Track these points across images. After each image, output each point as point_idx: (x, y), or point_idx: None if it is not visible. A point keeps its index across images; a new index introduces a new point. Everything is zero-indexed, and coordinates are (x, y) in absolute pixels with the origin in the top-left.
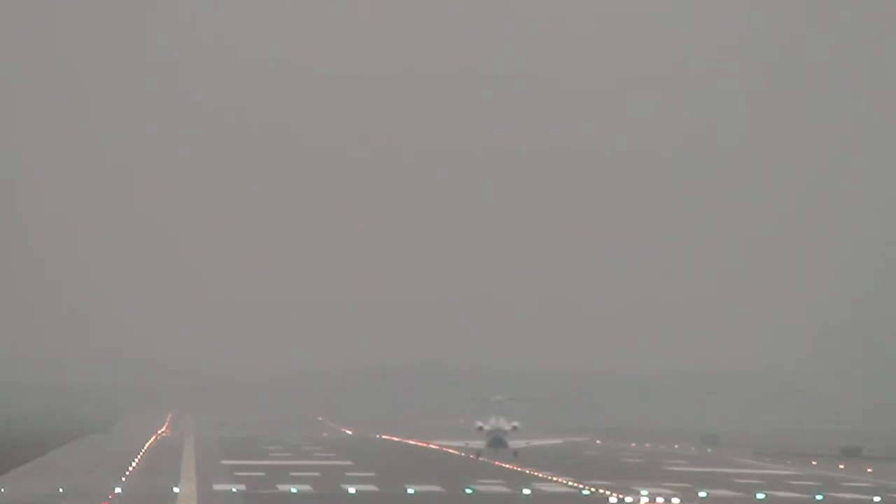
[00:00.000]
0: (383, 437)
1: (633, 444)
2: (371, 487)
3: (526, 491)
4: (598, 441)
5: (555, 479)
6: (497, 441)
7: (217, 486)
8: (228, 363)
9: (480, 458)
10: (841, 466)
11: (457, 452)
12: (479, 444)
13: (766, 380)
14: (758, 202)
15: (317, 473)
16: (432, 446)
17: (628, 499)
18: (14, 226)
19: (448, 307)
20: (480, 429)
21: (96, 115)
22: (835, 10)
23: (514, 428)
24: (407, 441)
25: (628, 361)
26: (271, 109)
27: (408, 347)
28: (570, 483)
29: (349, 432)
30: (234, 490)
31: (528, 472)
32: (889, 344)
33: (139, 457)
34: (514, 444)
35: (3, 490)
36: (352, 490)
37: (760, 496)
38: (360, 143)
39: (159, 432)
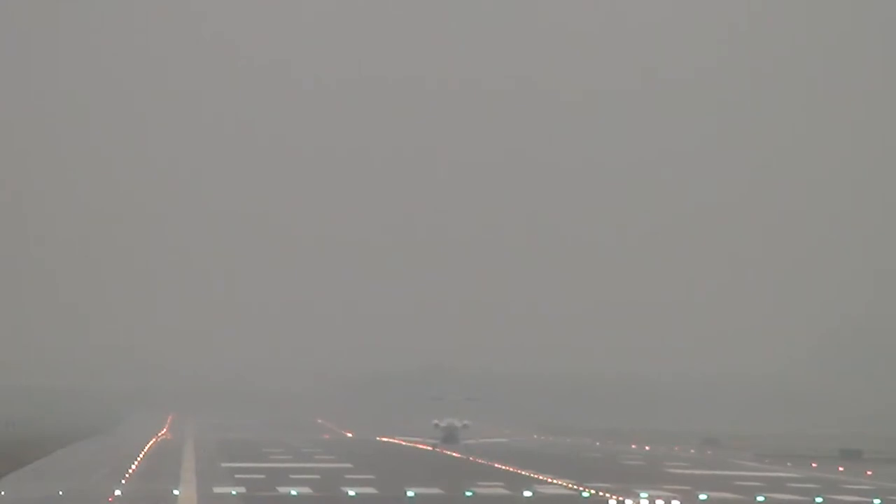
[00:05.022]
0: (376, 439)
1: (634, 446)
2: (370, 490)
3: (526, 493)
4: (597, 443)
5: (555, 481)
6: (450, 437)
7: (217, 489)
8: (228, 365)
9: (436, 449)
10: (841, 469)
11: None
12: (435, 440)
13: (765, 381)
14: (757, 202)
15: (317, 476)
16: (393, 441)
17: (628, 501)
18: (14, 226)
19: (448, 309)
20: (437, 426)
21: (96, 115)
22: (835, 10)
23: (466, 426)
24: (383, 438)
25: (628, 362)
26: (271, 110)
27: (407, 349)
28: (571, 485)
29: (349, 435)
30: (233, 493)
31: (528, 474)
32: (889, 346)
33: (139, 459)
34: (465, 441)
35: (2, 493)
36: (351, 493)
37: (760, 499)
38: (360, 144)
39: (159, 435)
